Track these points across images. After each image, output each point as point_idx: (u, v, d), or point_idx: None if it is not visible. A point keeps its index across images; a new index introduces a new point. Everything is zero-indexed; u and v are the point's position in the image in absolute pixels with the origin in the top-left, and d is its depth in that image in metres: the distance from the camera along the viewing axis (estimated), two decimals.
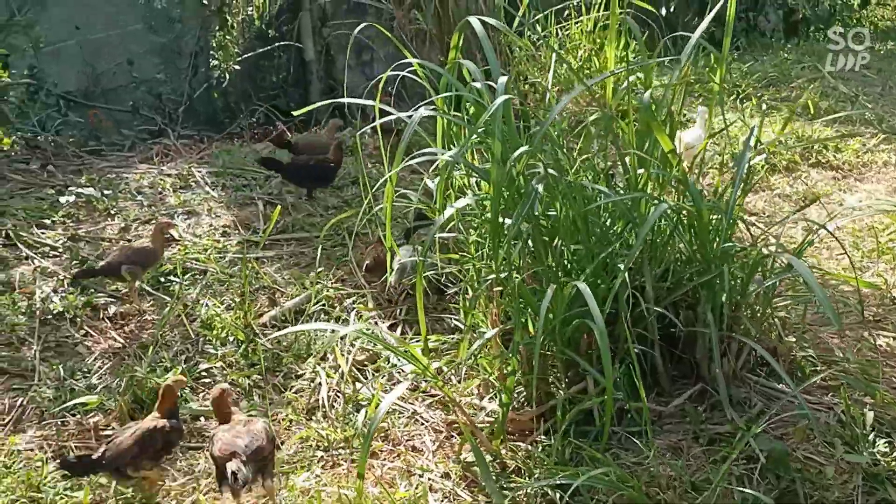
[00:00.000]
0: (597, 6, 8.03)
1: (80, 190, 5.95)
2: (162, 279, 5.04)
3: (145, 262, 4.74)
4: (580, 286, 3.10)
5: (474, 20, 3.98)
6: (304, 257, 5.46)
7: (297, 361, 4.35)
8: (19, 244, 5.23)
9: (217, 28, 9.45)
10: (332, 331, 4.33)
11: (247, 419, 3.36)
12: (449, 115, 4.24)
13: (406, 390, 3.94)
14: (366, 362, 4.34)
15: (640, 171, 3.75)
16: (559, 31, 8.43)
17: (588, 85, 3.82)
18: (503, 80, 3.66)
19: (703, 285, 3.55)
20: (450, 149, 4.60)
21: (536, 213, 3.57)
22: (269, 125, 9.33)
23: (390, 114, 4.18)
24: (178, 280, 5.01)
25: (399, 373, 4.14)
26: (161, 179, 6.40)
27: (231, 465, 3.01)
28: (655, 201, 3.46)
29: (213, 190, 6.26)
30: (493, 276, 3.63)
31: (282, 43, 10.01)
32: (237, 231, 5.68)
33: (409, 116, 3.96)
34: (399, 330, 4.63)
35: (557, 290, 3.25)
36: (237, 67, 9.57)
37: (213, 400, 3.45)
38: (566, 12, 8.34)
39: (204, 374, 4.29)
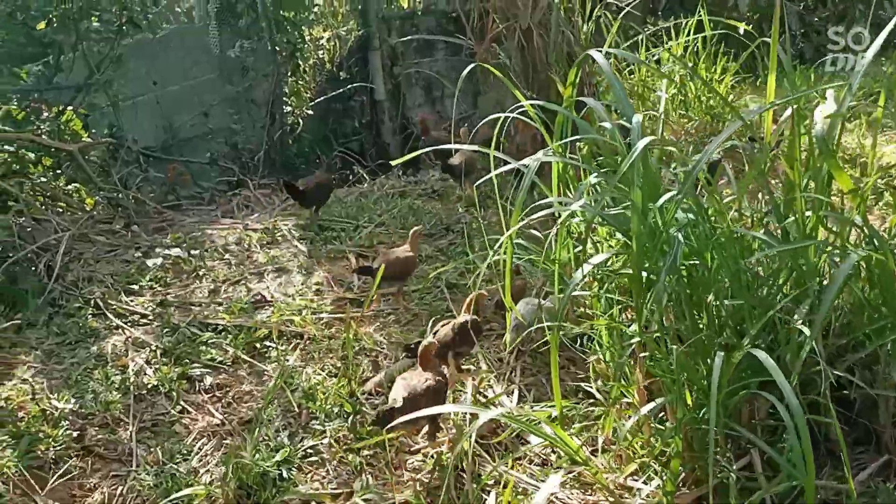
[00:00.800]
0: (685, 31, 7.64)
1: (166, 251, 5.72)
2: (258, 345, 4.74)
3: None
4: (759, 355, 2.67)
5: (597, 55, 3.60)
6: (402, 313, 5.11)
7: (409, 434, 3.98)
8: (108, 313, 4.99)
9: (289, 74, 9.29)
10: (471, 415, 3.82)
11: None
12: (572, 161, 3.85)
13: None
14: (487, 434, 3.95)
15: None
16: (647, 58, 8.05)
17: (745, 119, 3.37)
18: (638, 118, 3.27)
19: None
20: (565, 194, 4.24)
21: (682, 266, 3.16)
22: (347, 169, 9.10)
23: (505, 161, 3.84)
24: (274, 345, 4.70)
25: (531, 451, 3.72)
26: (247, 235, 6.14)
27: None
28: (832, 249, 3.01)
29: (301, 244, 5.97)
30: (636, 339, 3.22)
31: (353, 85, 9.80)
32: (331, 288, 5.36)
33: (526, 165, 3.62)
34: (516, 394, 4.22)
35: (726, 358, 2.81)
36: (310, 112, 9.40)
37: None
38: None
39: (310, 451, 3.94)
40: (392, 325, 4.94)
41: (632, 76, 8.06)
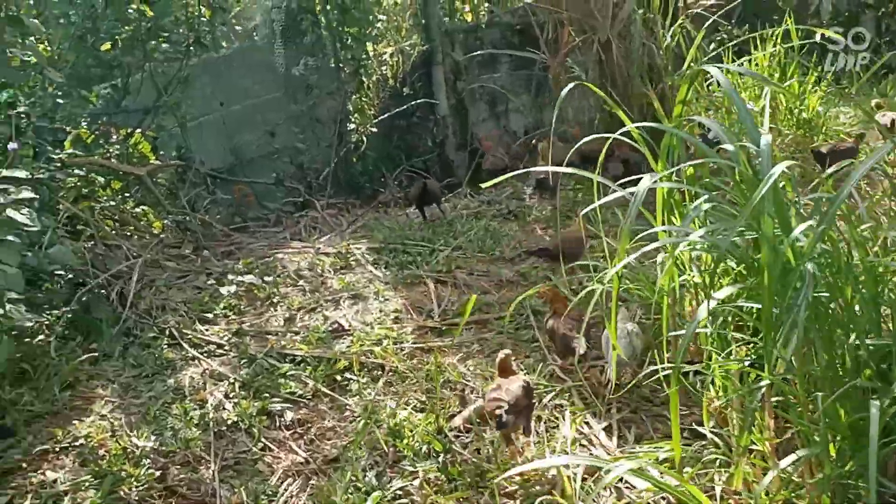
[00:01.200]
0: (773, 39, 7.31)
1: (239, 277, 5.56)
2: (338, 377, 4.53)
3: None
4: None
5: (714, 70, 3.33)
6: (486, 343, 4.86)
7: (501, 471, 3.72)
8: (184, 343, 4.84)
9: (354, 91, 9.15)
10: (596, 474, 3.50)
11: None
12: (683, 185, 3.58)
13: None
14: (585, 475, 3.68)
15: None
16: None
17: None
18: (767, 140, 2.99)
19: None
20: (671, 222, 3.97)
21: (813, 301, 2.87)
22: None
23: (615, 189, 3.58)
24: (355, 377, 4.49)
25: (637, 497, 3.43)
26: (319, 260, 5.96)
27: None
28: None
29: (375, 269, 5.77)
30: (766, 382, 2.93)
31: (416, 101, 9.61)
32: (410, 316, 5.14)
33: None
34: (616, 434, 3.94)
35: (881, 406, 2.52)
36: (374, 130, 9.23)
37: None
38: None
39: (400, 493, 3.71)
40: (476, 356, 4.70)
41: (711, 89, 7.74)
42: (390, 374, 4.54)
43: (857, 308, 2.90)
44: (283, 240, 6.79)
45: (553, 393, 4.26)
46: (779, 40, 7.19)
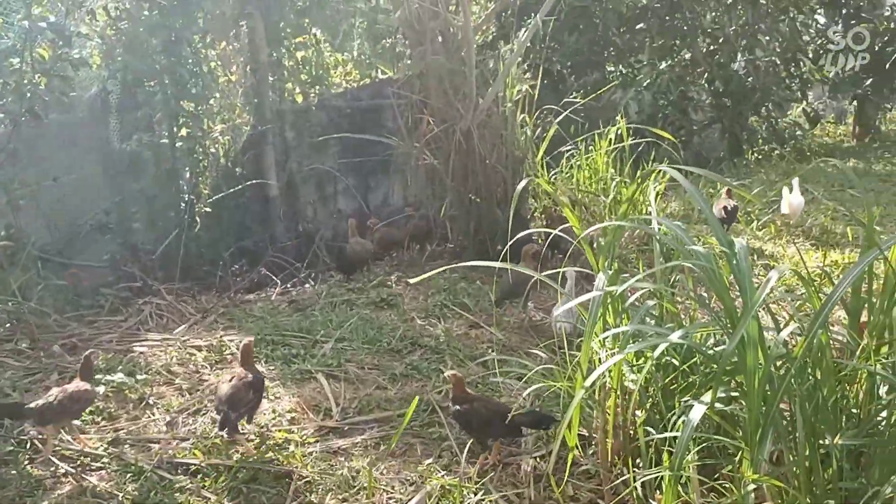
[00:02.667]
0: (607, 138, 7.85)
1: (107, 377, 4.94)
2: (243, 488, 4.10)
3: None
4: None
5: (676, 174, 3.45)
6: (393, 443, 4.62)
7: None
8: (53, 458, 4.19)
9: (189, 169, 8.65)
10: None
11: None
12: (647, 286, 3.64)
13: None
14: None
15: None
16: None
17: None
18: (742, 243, 3.14)
19: None
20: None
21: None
22: (251, 270, 8.48)
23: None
24: (262, 489, 4.09)
25: None
26: (189, 354, 5.46)
27: None
28: None
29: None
30: (753, 483, 2.99)
31: (247, 183, 9.24)
32: (307, 415, 4.79)
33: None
34: None
35: None
36: (208, 210, 8.75)
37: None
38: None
39: None
40: (387, 459, 4.45)
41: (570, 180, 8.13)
42: (300, 481, 4.19)
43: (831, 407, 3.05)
44: (134, 330, 6.17)
45: (477, 496, 4.10)
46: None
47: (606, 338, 3.74)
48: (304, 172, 10.34)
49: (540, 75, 7.75)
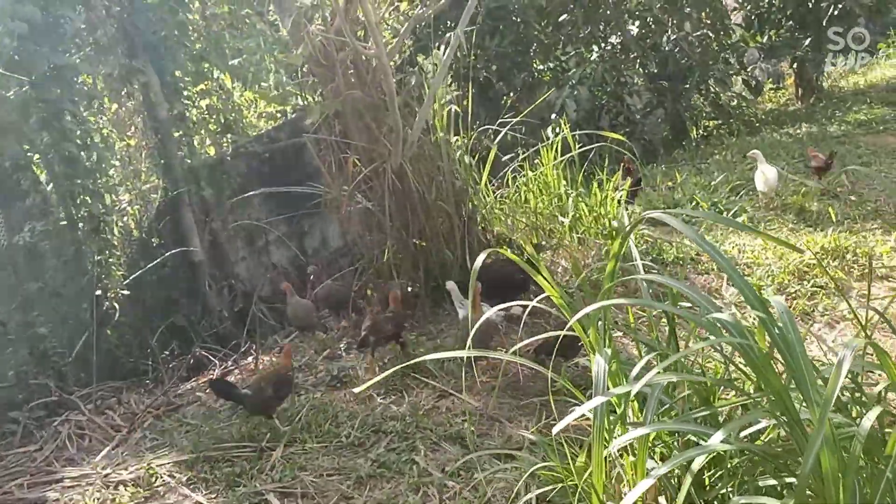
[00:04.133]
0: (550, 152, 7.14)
1: None
2: None
3: None
4: None
5: (671, 219, 2.69)
6: None
7: None
8: None
9: (97, 253, 7.69)
10: None
11: None
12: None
13: None
14: None
15: None
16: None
17: None
18: (781, 302, 2.38)
19: None
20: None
21: None
22: (185, 355, 7.55)
23: None
24: None
25: None
26: (113, 494, 4.54)
27: None
28: None
29: (195, 492, 4.46)
30: None
31: (167, 253, 8.31)
32: None
33: None
34: None
35: None
36: (125, 293, 7.82)
37: None
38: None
39: None
40: None
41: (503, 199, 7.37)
42: None
43: None
44: (50, 462, 5.23)
45: None
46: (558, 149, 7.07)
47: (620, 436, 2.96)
48: (230, 229, 9.48)
49: (469, 86, 6.96)
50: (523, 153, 7.85)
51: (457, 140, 6.66)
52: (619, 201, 6.87)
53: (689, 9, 11.27)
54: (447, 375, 5.35)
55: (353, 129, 6.34)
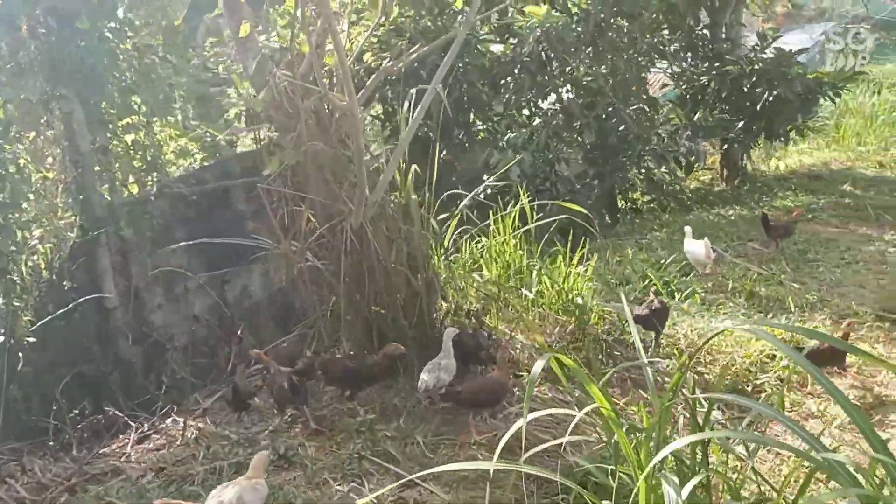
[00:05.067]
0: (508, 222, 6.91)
1: None
2: None
3: None
4: None
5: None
6: None
7: None
8: None
9: (2, 295, 6.92)
10: None
11: None
12: None
13: None
14: None
15: None
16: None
17: None
18: None
19: None
20: None
21: None
22: (96, 414, 6.80)
23: None
24: None
25: None
26: None
27: None
28: None
29: None
30: None
31: (80, 300, 7.58)
32: None
33: None
34: None
35: None
36: (31, 339, 7.06)
37: None
38: None
39: None
40: None
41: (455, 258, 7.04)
42: None
43: None
44: None
45: None
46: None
47: None
48: (148, 274, 8.78)
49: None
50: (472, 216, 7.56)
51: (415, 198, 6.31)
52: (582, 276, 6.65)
53: (633, 85, 11.37)
54: (411, 462, 4.90)
55: (312, 182, 5.91)
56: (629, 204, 12.35)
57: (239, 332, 7.41)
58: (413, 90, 6.41)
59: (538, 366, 3.33)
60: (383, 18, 6.11)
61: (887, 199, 11.58)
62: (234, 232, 8.18)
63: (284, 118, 5.72)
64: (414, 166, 6.48)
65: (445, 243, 6.76)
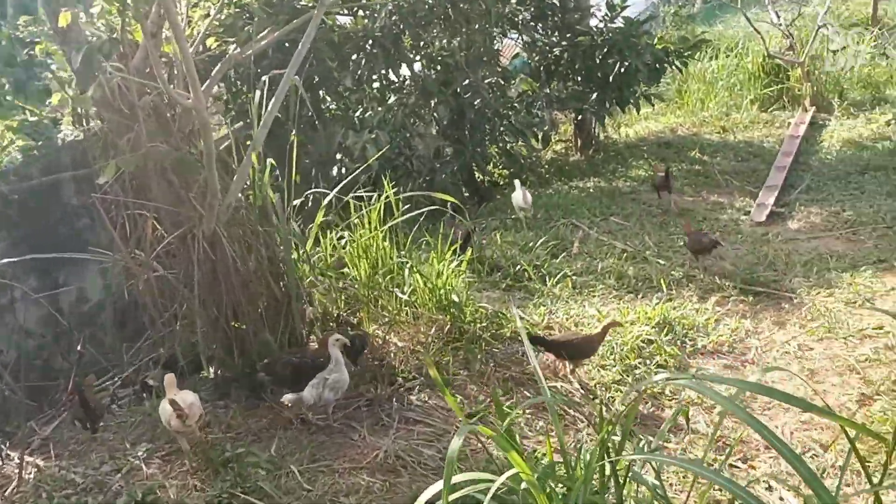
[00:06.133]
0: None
1: None
2: None
3: None
4: None
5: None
6: None
7: None
8: None
9: None
10: None
11: None
12: None
13: None
14: None
15: None
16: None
17: None
18: None
19: None
20: None
21: None
22: None
23: None
24: None
25: None
26: None
27: None
28: None
29: None
30: None
31: None
32: None
33: None
34: None
35: None
36: None
37: None
38: None
39: None
40: None
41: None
42: None
43: None
44: None
45: None
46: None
47: None
48: None
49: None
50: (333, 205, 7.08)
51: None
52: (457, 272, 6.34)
53: (486, 56, 11.10)
54: (287, 495, 4.46)
55: (155, 187, 5.26)
56: (487, 178, 12.14)
57: (80, 347, 6.69)
58: (266, 77, 5.88)
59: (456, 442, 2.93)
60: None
61: (733, 164, 11.92)
62: (64, 229, 7.37)
63: (119, 118, 5.04)
64: (270, 160, 5.97)
65: (309, 245, 6.28)
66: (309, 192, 6.44)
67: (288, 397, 4.92)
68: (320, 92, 10.85)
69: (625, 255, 8.21)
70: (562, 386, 5.67)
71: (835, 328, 6.44)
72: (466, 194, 11.16)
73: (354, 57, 10.67)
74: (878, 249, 8.04)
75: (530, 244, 8.38)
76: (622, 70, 11.42)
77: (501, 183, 12.09)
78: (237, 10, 9.26)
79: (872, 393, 5.44)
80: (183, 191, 5.28)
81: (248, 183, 5.60)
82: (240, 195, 5.51)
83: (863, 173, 10.70)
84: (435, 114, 11.25)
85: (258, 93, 5.73)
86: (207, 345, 5.60)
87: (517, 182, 9.50)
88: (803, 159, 11.68)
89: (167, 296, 5.65)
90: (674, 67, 12.19)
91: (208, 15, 5.88)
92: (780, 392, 2.77)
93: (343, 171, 9.96)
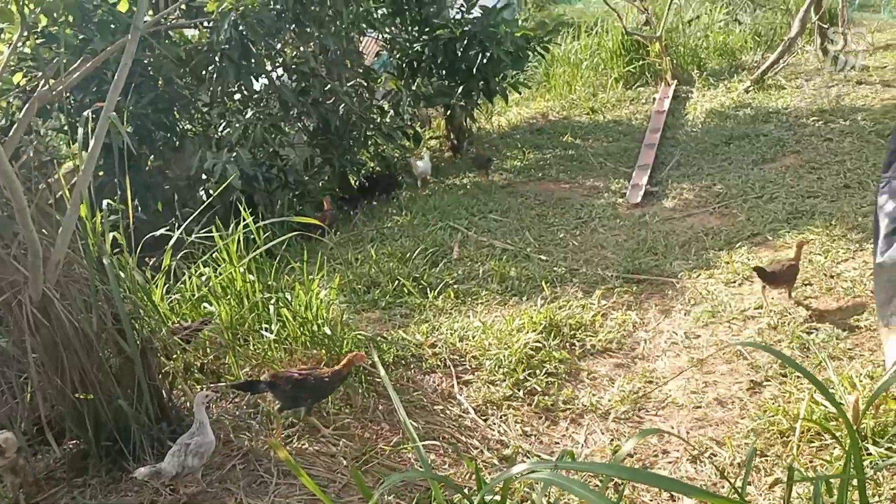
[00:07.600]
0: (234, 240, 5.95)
1: None
2: None
3: None
4: None
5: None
6: None
7: None
8: None
9: None
10: None
11: None
12: None
13: None
14: None
15: None
16: None
17: None
18: None
19: None
20: None
21: None
22: None
23: None
24: None
25: None
26: None
27: None
28: None
29: None
30: None
31: None
32: None
33: None
34: None
35: None
36: None
37: None
38: None
39: None
40: None
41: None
42: None
43: None
44: None
45: None
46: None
47: None
48: None
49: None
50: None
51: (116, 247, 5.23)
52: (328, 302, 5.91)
53: (346, 59, 10.65)
54: None
55: None
56: (362, 182, 11.70)
57: None
58: (87, 112, 5.30)
59: None
60: (25, 32, 4.87)
61: (605, 146, 11.89)
62: None
63: None
64: (107, 202, 5.40)
65: (159, 292, 5.72)
66: (163, 225, 5.85)
67: (141, 471, 4.39)
68: (173, 113, 10.18)
69: (505, 255, 7.96)
70: (451, 410, 5.34)
71: (718, 311, 6.35)
72: (346, 198, 10.75)
73: (204, 72, 10.06)
74: (750, 222, 8.06)
75: (408, 254, 8.02)
76: (485, 60, 11.18)
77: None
78: (41, 41, 8.35)
79: (761, 379, 5.34)
80: (2, 251, 4.66)
81: (80, 233, 5.00)
82: (72, 246, 4.91)
83: (728, 143, 10.81)
84: (299, 124, 10.76)
85: (80, 131, 5.15)
86: (54, 419, 5.00)
87: (426, 152, 11.53)
88: (670, 134, 11.74)
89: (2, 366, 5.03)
90: (536, 53, 12.03)
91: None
92: (653, 474, 2.47)
93: (211, 192, 9.36)
